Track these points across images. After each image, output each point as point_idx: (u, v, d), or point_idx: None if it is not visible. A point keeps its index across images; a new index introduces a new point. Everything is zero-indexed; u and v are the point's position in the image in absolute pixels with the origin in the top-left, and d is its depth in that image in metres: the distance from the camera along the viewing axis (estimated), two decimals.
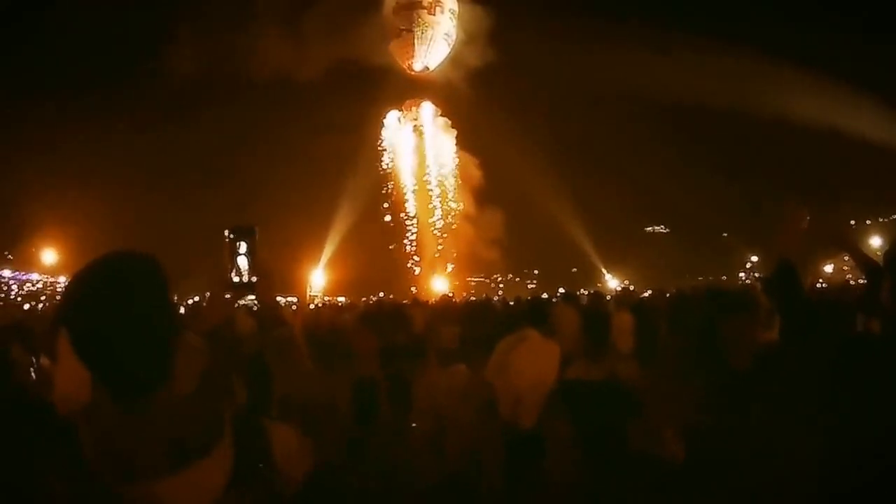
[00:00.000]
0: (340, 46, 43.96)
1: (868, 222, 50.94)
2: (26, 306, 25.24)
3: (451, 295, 21.03)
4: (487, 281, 57.77)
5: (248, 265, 2.22)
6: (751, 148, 53.77)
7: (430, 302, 16.62)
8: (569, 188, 51.77)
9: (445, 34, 45.68)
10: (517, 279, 62.71)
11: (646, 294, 18.43)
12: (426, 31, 45.00)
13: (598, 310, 6.14)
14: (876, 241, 35.59)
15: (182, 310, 10.61)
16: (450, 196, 48.93)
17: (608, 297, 14.71)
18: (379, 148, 49.70)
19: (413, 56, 45.94)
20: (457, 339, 6.05)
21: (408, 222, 49.86)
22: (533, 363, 4.21)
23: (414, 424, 4.86)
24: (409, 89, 49.39)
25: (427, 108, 49.82)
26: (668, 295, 13.66)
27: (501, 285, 58.41)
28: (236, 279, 2.20)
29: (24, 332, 5.37)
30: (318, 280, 48.70)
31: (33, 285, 50.29)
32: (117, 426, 1.45)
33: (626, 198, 59.11)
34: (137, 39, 47.01)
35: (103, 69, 49.10)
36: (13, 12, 47.20)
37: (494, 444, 4.17)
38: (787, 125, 45.98)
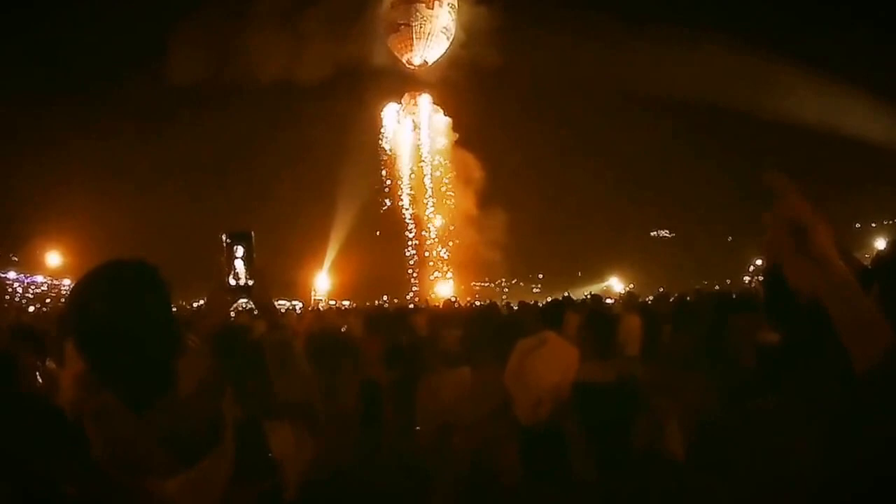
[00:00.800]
0: (340, 44, 44.19)
1: (874, 224, 50.91)
2: (31, 309, 25.30)
3: (454, 299, 21.05)
4: (492, 286, 57.76)
5: (245, 269, 2.26)
6: (756, 151, 53.68)
7: (434, 306, 16.66)
8: (573, 192, 51.87)
9: (444, 28, 45.76)
10: (521, 284, 62.65)
11: (650, 298, 18.45)
12: (424, 25, 45.12)
13: (605, 313, 6.16)
14: (881, 244, 35.51)
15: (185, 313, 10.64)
16: (451, 196, 48.97)
17: (613, 301, 14.74)
18: (379, 147, 49.85)
19: (412, 50, 46.06)
20: (459, 342, 6.06)
21: (410, 224, 50.01)
22: (553, 366, 4.23)
23: (418, 427, 4.89)
24: (408, 85, 49.58)
25: (426, 103, 49.89)
26: (671, 300, 13.69)
27: (506, 290, 58.35)
28: (233, 282, 2.25)
29: (31, 335, 5.38)
30: (322, 284, 48.81)
31: (38, 287, 50.45)
32: (124, 428, 1.47)
33: (631, 202, 59.07)
34: (143, 42, 47.27)
35: (108, 72, 49.38)
36: (20, 13, 47.50)
37: (508, 447, 4.19)
38: (793, 128, 45.97)
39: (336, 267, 49.14)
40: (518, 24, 43.50)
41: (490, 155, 47.10)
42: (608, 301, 16.77)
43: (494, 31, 43.59)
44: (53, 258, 45.28)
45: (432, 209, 49.48)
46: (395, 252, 50.42)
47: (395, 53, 46.74)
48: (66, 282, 47.37)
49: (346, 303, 39.56)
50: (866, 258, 2.79)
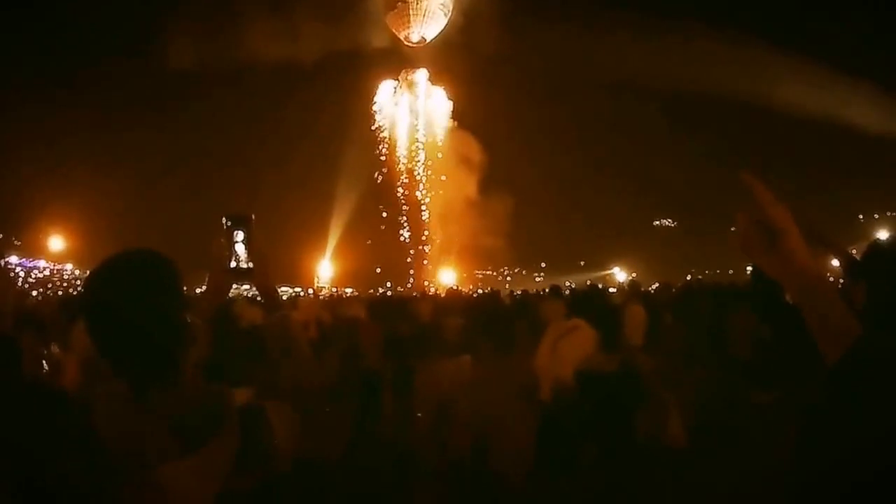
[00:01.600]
0: (338, 25, 43.99)
1: (876, 216, 50.75)
2: (34, 293, 25.34)
3: (457, 287, 21.06)
4: (494, 274, 57.71)
5: (245, 252, 2.28)
6: (760, 141, 53.46)
7: (436, 294, 16.68)
8: (576, 181, 51.69)
9: (441, 4, 45.60)
10: (524, 272, 62.57)
11: (653, 287, 18.43)
12: (421, 1, 44.93)
13: (610, 303, 6.18)
14: (883, 236, 35.40)
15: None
16: (450, 181, 48.83)
17: (615, 290, 14.73)
18: (378, 128, 49.67)
19: (410, 27, 45.86)
20: (460, 330, 6.09)
21: (407, 208, 49.94)
22: (582, 351, 4.30)
23: (419, 414, 4.93)
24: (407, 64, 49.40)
25: (423, 80, 49.69)
26: (673, 290, 13.68)
27: (509, 278, 58.31)
28: (233, 265, 2.26)
29: (34, 321, 5.40)
30: (325, 271, 48.83)
31: (41, 272, 50.51)
32: (129, 413, 1.50)
33: (634, 191, 58.87)
34: (142, 26, 46.92)
35: (108, 56, 49.08)
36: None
37: (528, 427, 4.26)
38: (796, 118, 45.78)
39: (338, 254, 49.12)
40: (520, 6, 43.37)
41: (491, 142, 46.95)
42: (611, 290, 16.76)
43: (495, 14, 43.41)
44: (56, 243, 45.32)
45: (424, 192, 49.27)
46: (396, 238, 50.37)
47: (394, 30, 46.55)
48: (69, 267, 47.46)
49: (349, 290, 39.61)
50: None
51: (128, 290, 1.51)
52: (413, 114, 50.48)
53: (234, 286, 2.49)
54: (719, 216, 59.63)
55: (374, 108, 50.58)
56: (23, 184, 42.78)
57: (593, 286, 10.70)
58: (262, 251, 2.27)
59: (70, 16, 44.52)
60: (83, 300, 1.58)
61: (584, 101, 50.89)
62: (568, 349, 4.40)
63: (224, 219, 2.28)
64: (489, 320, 8.42)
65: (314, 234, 48.73)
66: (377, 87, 50.29)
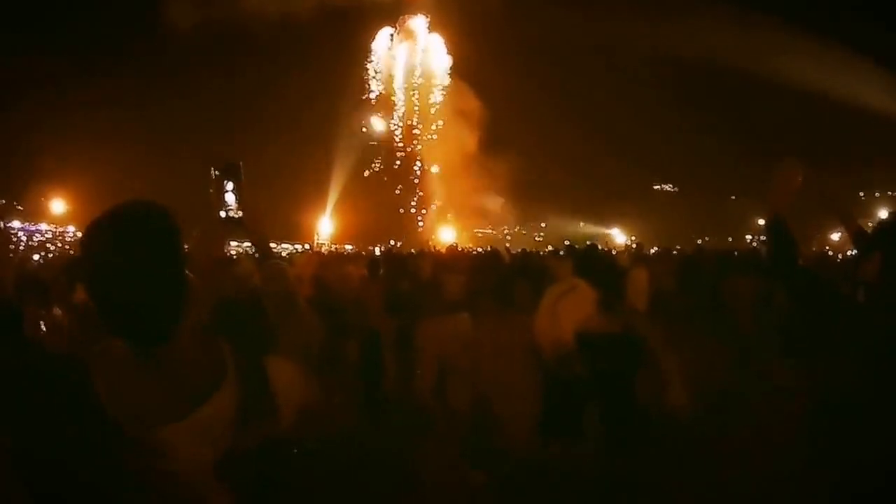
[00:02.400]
0: None
1: (877, 194, 50.62)
2: (36, 256, 25.32)
3: (456, 245, 21.02)
4: (494, 233, 57.62)
5: (236, 201, 2.24)
6: (764, 113, 52.86)
7: (436, 251, 16.64)
8: (578, 143, 51.25)
9: None
10: (524, 232, 62.45)
11: (652, 251, 18.43)
12: None
13: (614, 264, 6.15)
14: (884, 214, 35.28)
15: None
16: (450, 136, 48.39)
17: (615, 252, 14.70)
18: (375, 79, 48.93)
19: None
20: (461, 288, 6.08)
21: (410, 165, 49.58)
22: (581, 312, 4.29)
23: (419, 371, 4.95)
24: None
25: (422, 24, 48.89)
26: (674, 252, 13.66)
27: (509, 237, 58.26)
28: (224, 215, 2.23)
29: (35, 283, 5.39)
30: (325, 228, 48.75)
31: (42, 235, 50.48)
32: (130, 374, 1.49)
33: (635, 154, 58.38)
34: None
35: (108, 21, 48.34)
36: None
37: (533, 389, 4.28)
38: (801, 93, 45.21)
39: (338, 210, 48.95)
40: None
41: (492, 99, 46.46)
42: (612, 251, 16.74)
43: None
44: (57, 206, 45.20)
45: (421, 146, 48.78)
46: (394, 195, 50.07)
47: None
48: (71, 229, 47.38)
49: (349, 247, 39.60)
50: (869, 226, 2.81)
51: (126, 246, 1.45)
52: (409, 64, 49.83)
53: (235, 242, 2.47)
54: (720, 184, 59.47)
55: (371, 56, 49.82)
56: (23, 148, 42.53)
57: (593, 245, 10.67)
58: (252, 201, 2.23)
59: None
60: (80, 258, 1.53)
61: (587, 65, 50.22)
62: (568, 309, 4.39)
63: (213, 169, 2.24)
64: (490, 278, 8.39)
65: (315, 191, 48.55)
66: (373, 36, 49.43)
